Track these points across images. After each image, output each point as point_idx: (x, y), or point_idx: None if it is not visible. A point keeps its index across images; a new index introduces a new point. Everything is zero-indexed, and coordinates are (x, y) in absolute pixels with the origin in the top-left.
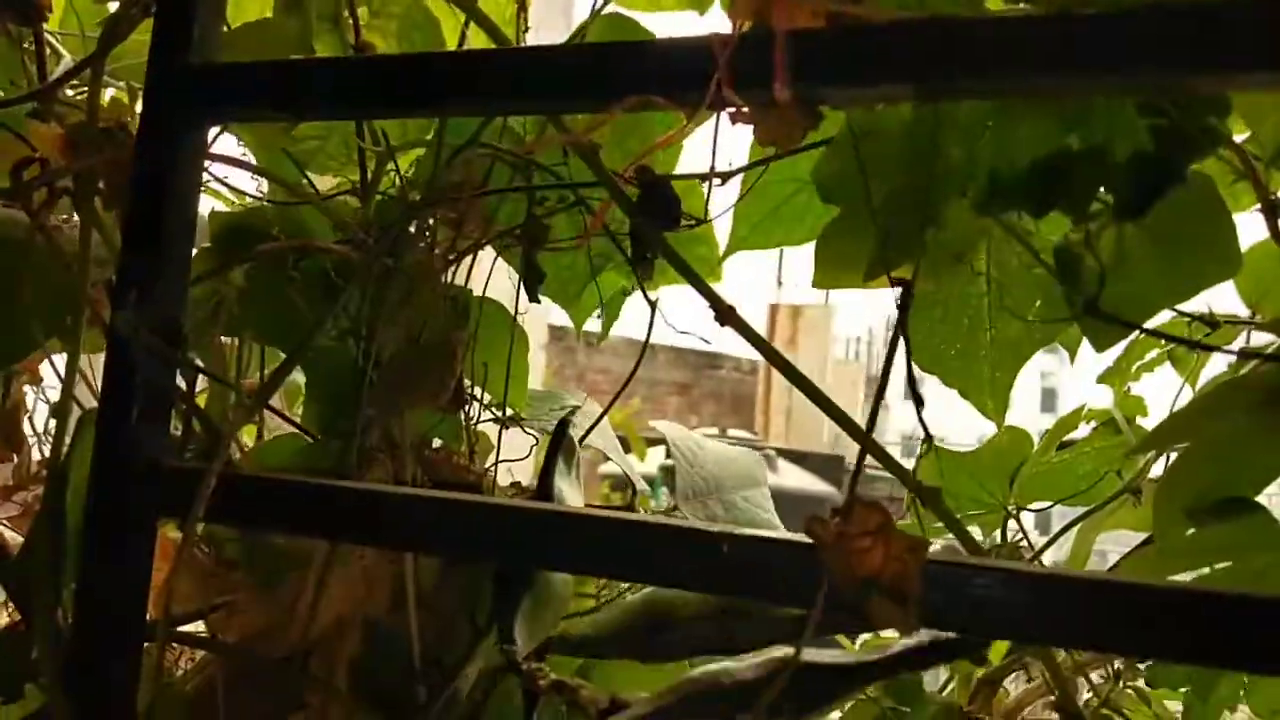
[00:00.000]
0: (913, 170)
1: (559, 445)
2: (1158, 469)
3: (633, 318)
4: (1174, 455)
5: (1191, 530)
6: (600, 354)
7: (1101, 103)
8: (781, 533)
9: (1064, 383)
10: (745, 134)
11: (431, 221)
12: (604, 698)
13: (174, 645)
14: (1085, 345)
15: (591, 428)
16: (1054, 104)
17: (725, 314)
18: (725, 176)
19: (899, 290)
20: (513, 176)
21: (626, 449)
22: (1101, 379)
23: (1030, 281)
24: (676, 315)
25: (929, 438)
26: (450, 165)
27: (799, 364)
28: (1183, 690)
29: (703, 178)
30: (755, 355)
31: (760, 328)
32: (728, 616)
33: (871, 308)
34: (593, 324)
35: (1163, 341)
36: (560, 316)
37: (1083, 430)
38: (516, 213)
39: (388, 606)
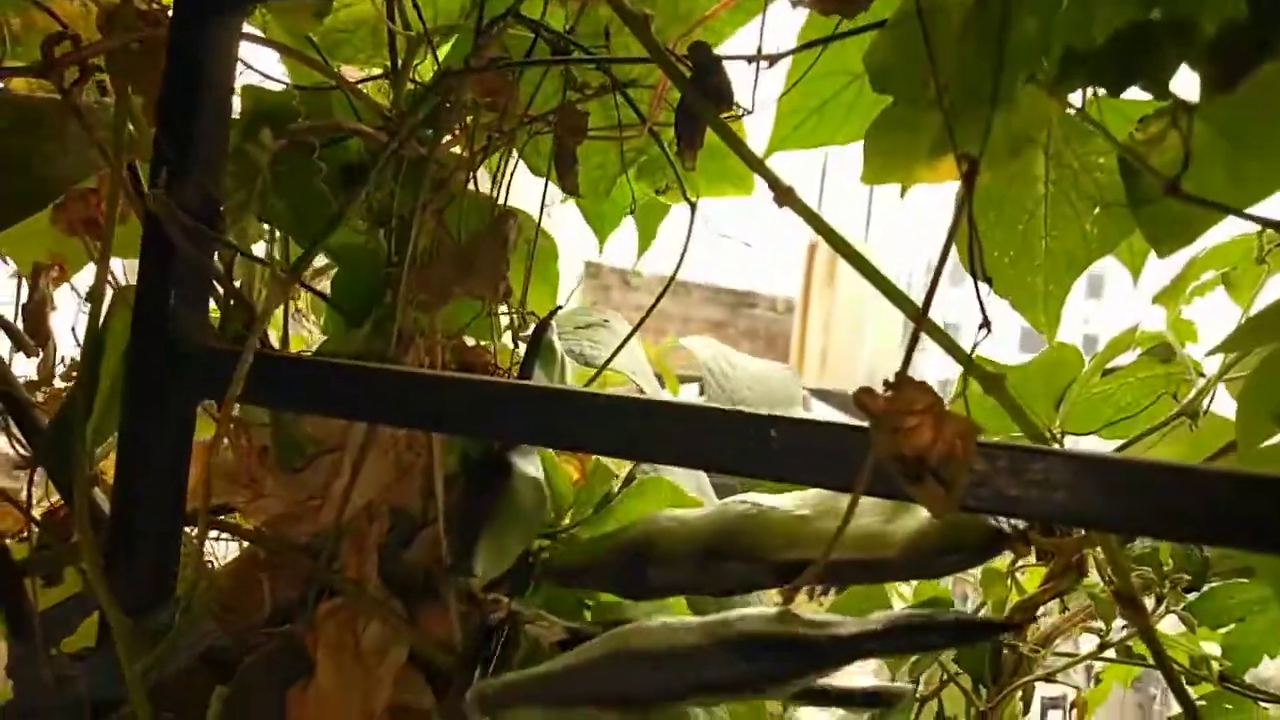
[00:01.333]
0: (981, 47)
1: (537, 346)
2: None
3: (668, 248)
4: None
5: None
6: (635, 291)
7: None
8: (825, 417)
9: (1105, 329)
10: (793, 22)
11: (465, 107)
12: (558, 628)
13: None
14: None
15: (619, 349)
16: None
17: (784, 194)
18: (773, 59)
19: (964, 172)
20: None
21: (661, 385)
22: (1157, 299)
23: (1090, 187)
24: (713, 254)
25: (986, 323)
26: (487, 38)
27: (836, 304)
28: (1223, 630)
29: (750, 59)
30: (791, 294)
31: (798, 267)
32: (712, 558)
33: (911, 249)
34: (627, 259)
35: (1220, 262)
36: (595, 251)
37: (1127, 358)
38: (550, 105)
39: (417, 496)
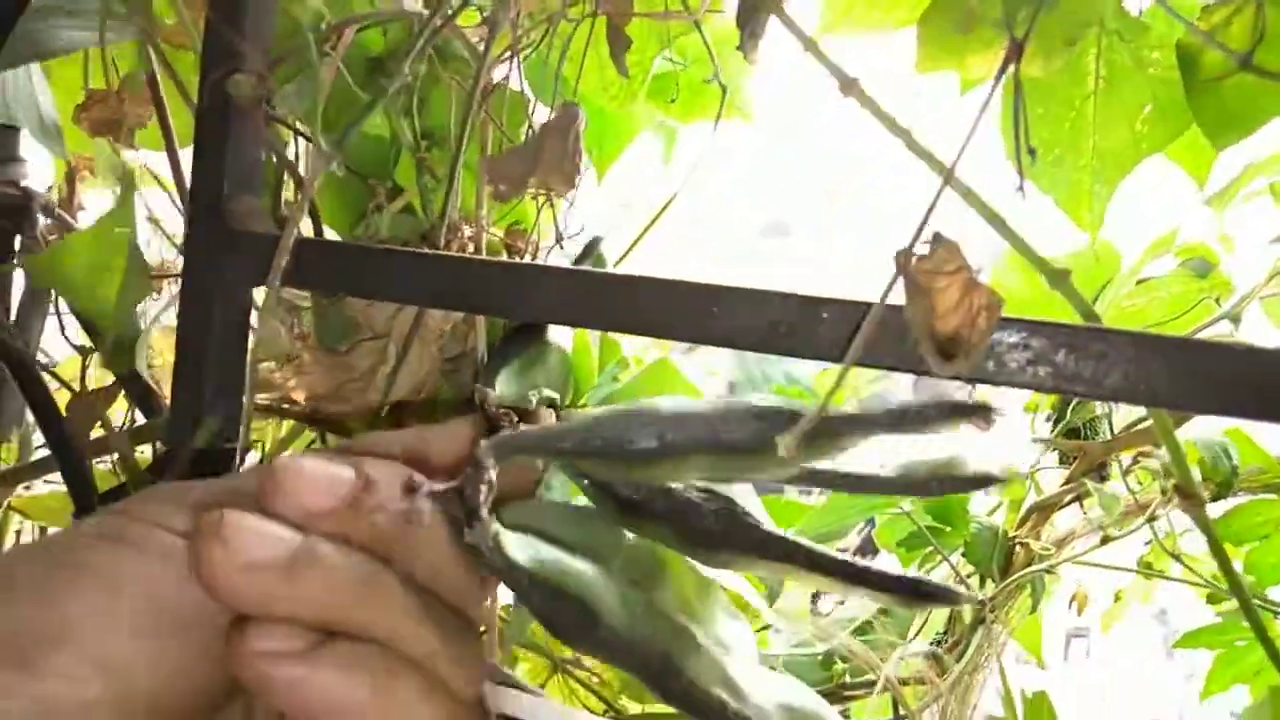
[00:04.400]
0: None
1: (589, 255)
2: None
3: (696, 180)
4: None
5: None
6: (668, 223)
7: None
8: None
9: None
10: None
11: None
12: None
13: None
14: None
15: (630, 249)
16: None
17: (849, 85)
18: None
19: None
20: None
21: None
22: (1210, 202)
23: (1142, 83)
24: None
25: (1021, 177)
26: None
27: (874, 262)
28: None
29: None
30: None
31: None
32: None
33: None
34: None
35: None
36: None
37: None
38: None
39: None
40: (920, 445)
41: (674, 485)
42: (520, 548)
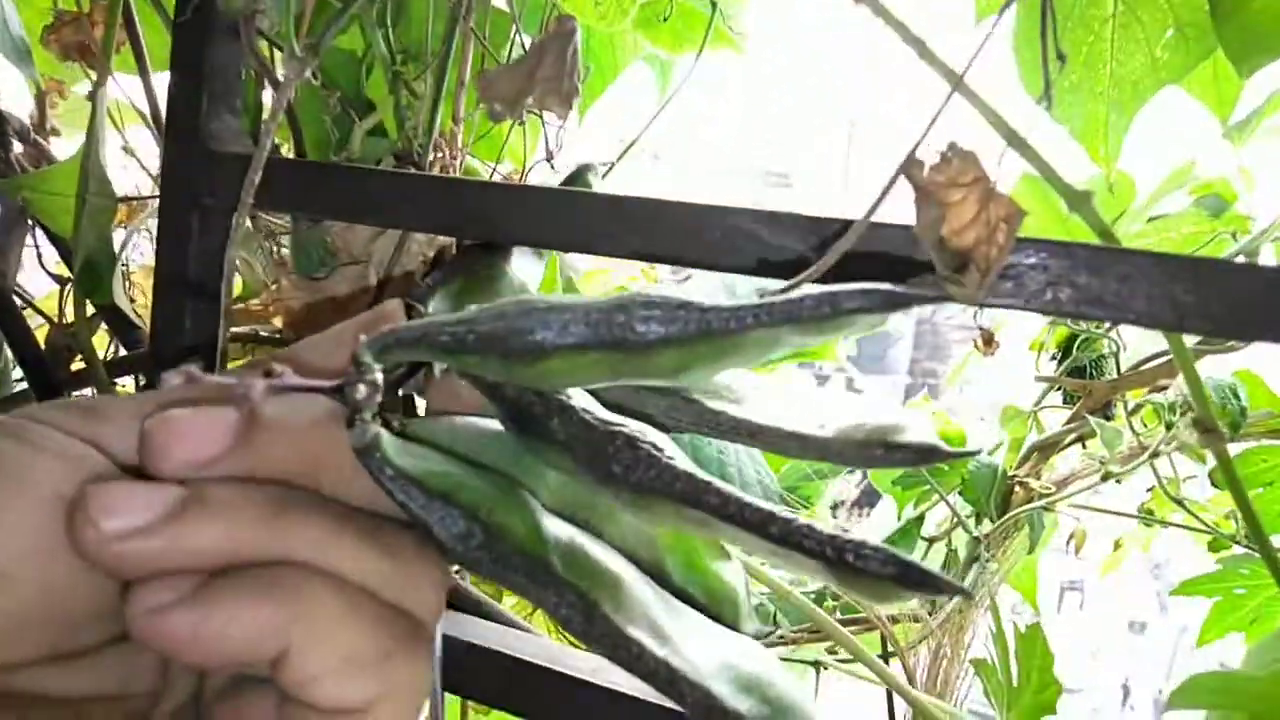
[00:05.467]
0: None
1: (577, 180)
2: None
3: (698, 123)
4: None
5: None
6: (668, 169)
7: None
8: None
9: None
10: None
11: None
12: None
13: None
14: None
15: (609, 170)
16: None
17: None
18: None
19: None
20: None
21: None
22: (1228, 135)
23: (1164, 6)
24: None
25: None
26: None
27: (876, 184)
28: (1253, 494)
29: None
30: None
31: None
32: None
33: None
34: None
35: None
36: (626, 128)
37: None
38: None
39: None
40: (862, 413)
41: (573, 405)
42: (404, 453)
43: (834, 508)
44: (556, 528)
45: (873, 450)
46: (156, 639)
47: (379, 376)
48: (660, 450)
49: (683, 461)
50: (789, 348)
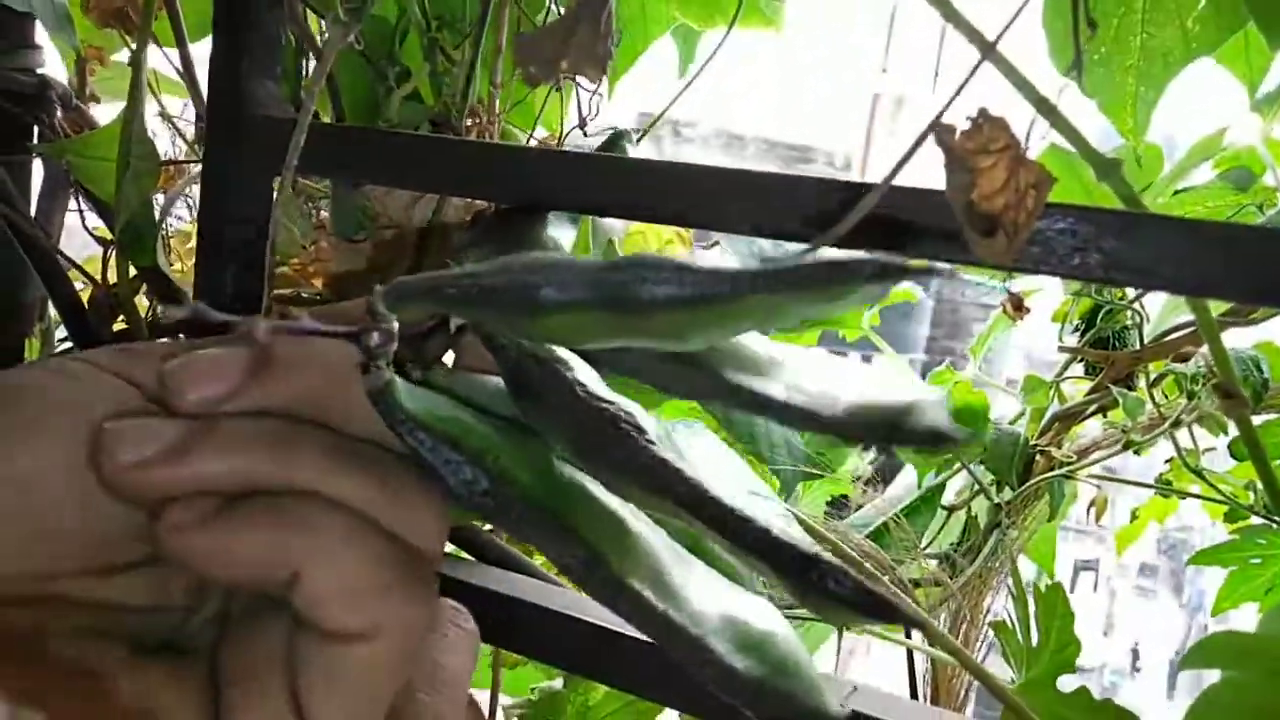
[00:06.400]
0: None
1: (612, 148)
2: None
3: (720, 99)
4: None
5: None
6: (690, 144)
7: None
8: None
9: None
10: None
11: None
12: None
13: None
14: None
15: (640, 138)
16: None
17: None
18: None
19: None
20: None
21: None
22: (1256, 107)
23: None
24: (771, 107)
25: (1079, 51)
26: None
27: (900, 153)
28: (1276, 464)
29: None
30: (849, 149)
31: (861, 116)
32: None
33: (979, 101)
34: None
35: None
36: (646, 102)
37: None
38: None
39: None
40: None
41: (567, 376)
42: (415, 399)
43: (858, 479)
44: (568, 475)
45: (883, 433)
46: (177, 553)
47: (395, 326)
48: (641, 432)
49: (664, 449)
50: (797, 316)
